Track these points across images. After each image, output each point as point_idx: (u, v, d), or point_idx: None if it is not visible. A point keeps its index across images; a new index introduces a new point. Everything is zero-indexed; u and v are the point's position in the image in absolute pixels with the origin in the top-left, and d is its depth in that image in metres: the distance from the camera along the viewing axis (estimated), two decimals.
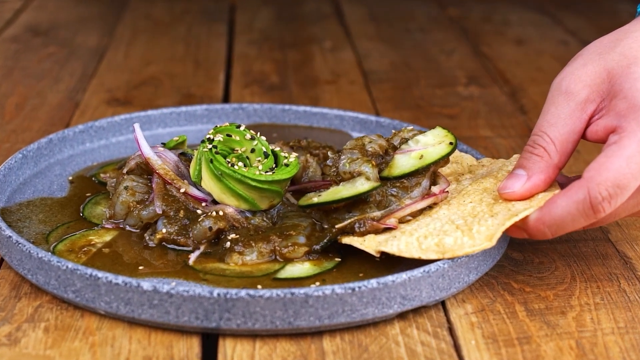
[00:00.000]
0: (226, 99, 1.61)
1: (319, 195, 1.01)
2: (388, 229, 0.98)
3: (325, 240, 0.99)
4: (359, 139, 1.06)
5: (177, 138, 1.12)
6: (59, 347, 0.85)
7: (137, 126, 1.09)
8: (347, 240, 0.98)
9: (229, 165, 1.02)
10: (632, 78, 0.91)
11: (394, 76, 1.77)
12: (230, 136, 1.06)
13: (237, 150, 1.06)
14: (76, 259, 0.97)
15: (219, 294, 0.85)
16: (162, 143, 1.12)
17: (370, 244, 0.95)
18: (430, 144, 1.04)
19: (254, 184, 1.01)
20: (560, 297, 0.96)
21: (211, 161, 1.02)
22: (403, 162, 1.03)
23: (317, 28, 2.14)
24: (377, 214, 0.99)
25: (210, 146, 1.03)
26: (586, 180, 0.88)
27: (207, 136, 1.06)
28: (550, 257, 1.04)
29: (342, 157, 1.04)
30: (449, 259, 0.92)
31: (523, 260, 1.04)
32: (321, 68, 1.79)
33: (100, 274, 0.88)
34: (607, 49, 0.95)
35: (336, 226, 0.99)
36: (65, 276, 0.90)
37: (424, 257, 0.91)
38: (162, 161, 1.06)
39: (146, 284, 0.86)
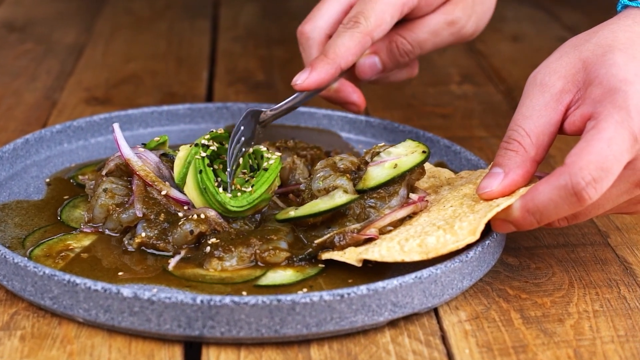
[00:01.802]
0: (210, 97, 1.60)
1: (296, 209, 1.00)
2: (369, 240, 0.97)
3: (304, 255, 0.97)
4: (328, 158, 1.06)
5: (159, 138, 1.12)
6: (35, 356, 0.84)
7: (116, 126, 1.08)
8: (327, 255, 0.96)
9: (216, 178, 1.02)
10: (607, 64, 0.91)
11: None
12: (224, 145, 1.06)
13: (224, 157, 1.06)
14: (53, 264, 0.96)
15: (202, 301, 0.84)
16: (142, 144, 1.11)
17: (351, 255, 0.94)
18: (403, 154, 1.03)
19: (234, 209, 1.00)
20: (557, 304, 0.95)
21: (200, 172, 1.00)
22: (377, 173, 1.02)
23: None
24: (357, 226, 0.98)
25: (203, 154, 1.02)
26: (568, 166, 0.86)
27: (202, 141, 1.05)
28: (547, 263, 1.03)
29: (314, 178, 1.03)
30: (433, 257, 0.90)
31: (519, 265, 1.03)
32: None
33: (78, 280, 0.87)
34: (582, 41, 0.96)
35: (315, 241, 0.97)
36: (42, 282, 0.89)
37: (407, 259, 0.90)
38: (143, 162, 1.05)
39: (126, 291, 0.85)
